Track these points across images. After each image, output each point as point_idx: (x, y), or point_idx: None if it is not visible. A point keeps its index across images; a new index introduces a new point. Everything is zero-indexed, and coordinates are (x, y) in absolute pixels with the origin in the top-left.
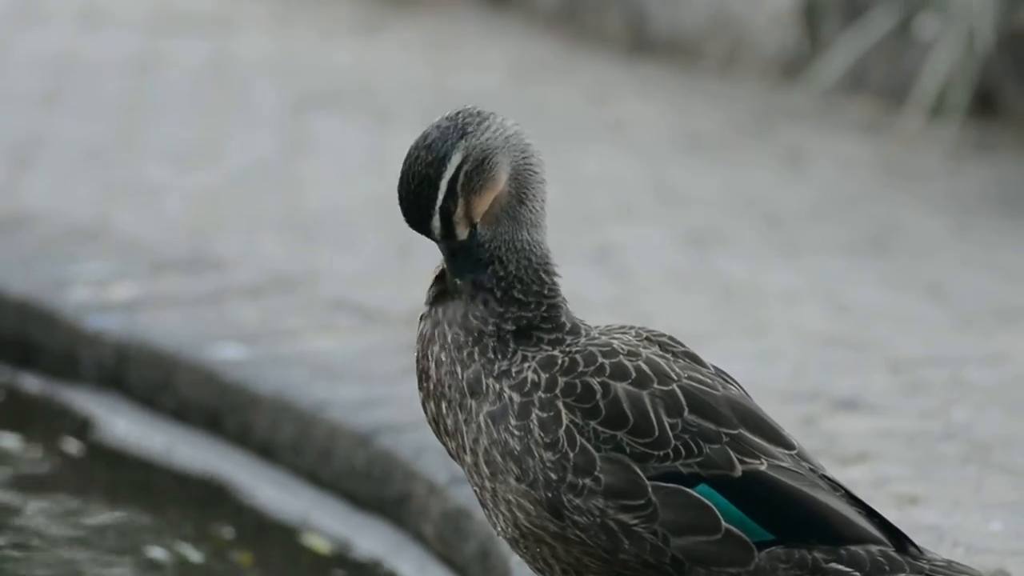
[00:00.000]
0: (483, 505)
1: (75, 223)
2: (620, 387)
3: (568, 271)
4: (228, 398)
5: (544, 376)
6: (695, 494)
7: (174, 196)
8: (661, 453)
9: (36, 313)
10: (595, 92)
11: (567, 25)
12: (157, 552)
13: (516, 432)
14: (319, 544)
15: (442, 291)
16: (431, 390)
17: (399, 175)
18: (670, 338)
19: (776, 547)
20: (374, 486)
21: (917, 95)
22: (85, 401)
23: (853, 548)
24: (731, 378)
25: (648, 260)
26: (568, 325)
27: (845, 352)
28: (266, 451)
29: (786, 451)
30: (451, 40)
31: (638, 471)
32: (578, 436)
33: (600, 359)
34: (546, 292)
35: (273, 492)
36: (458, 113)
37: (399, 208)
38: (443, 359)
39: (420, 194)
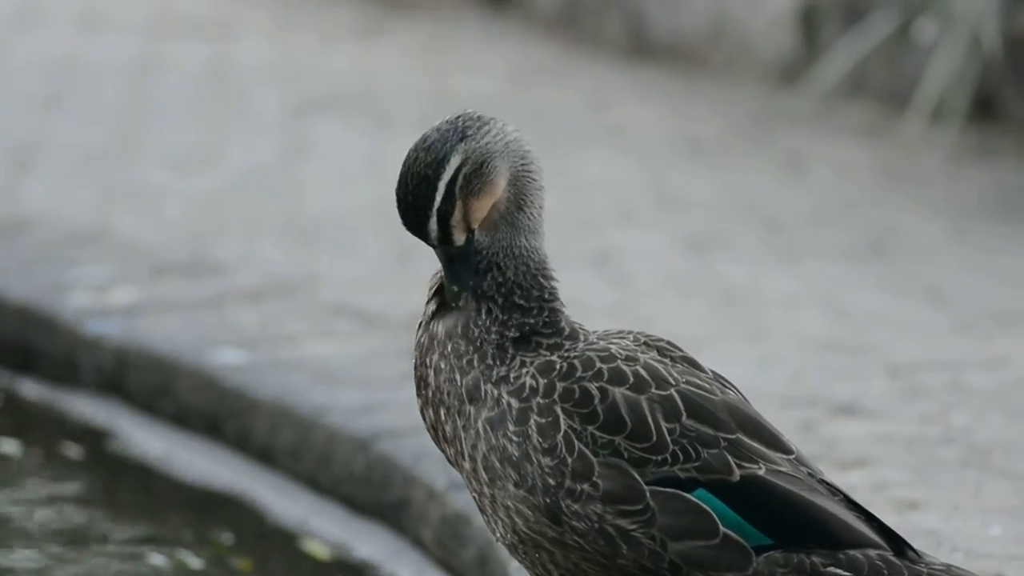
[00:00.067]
0: (482, 511)
1: (75, 227)
2: (618, 392)
3: (568, 276)
4: (228, 403)
5: (542, 382)
6: (693, 499)
7: (174, 200)
8: (659, 458)
9: (36, 318)
10: (595, 96)
11: (567, 29)
12: (157, 559)
13: (514, 438)
14: (318, 550)
15: (441, 304)
16: (430, 397)
17: (398, 177)
18: (668, 343)
19: (774, 552)
20: (373, 491)
21: (917, 100)
22: (85, 406)
23: (851, 552)
24: (729, 383)
25: (648, 265)
26: (567, 330)
27: (844, 357)
28: (265, 456)
29: (784, 456)
30: (451, 44)
31: (636, 476)
32: (576, 441)
33: (598, 364)
34: (546, 296)
35: (272, 497)
36: (458, 117)
37: (397, 210)
38: (442, 366)
39: (418, 195)
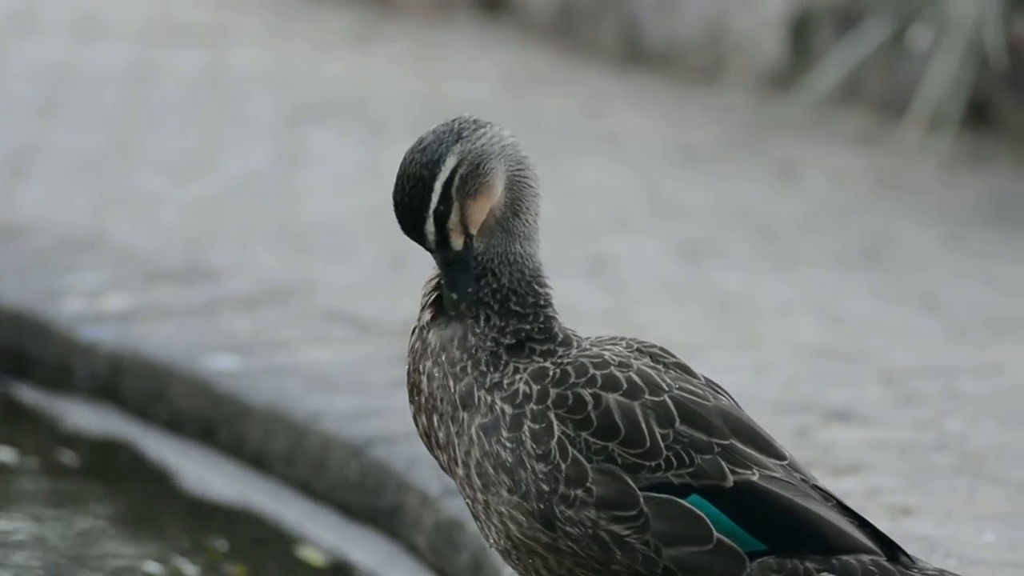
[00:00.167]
0: (475, 517)
1: (70, 233)
2: (611, 398)
3: (562, 282)
4: (222, 409)
5: (536, 388)
6: (687, 504)
7: (169, 207)
8: (653, 464)
9: (30, 324)
10: (589, 103)
11: (561, 36)
12: (152, 566)
13: (508, 444)
14: (313, 556)
15: (437, 313)
16: (423, 403)
17: (395, 180)
18: (661, 349)
19: (768, 557)
20: (367, 497)
21: (912, 107)
22: (79, 412)
23: (845, 558)
24: (721, 389)
25: (642, 272)
26: (560, 337)
27: (838, 363)
28: (260, 462)
29: (777, 461)
30: (445, 51)
31: (630, 482)
32: (570, 447)
33: (591, 370)
34: (541, 303)
35: (267, 503)
36: (455, 120)
37: (394, 213)
38: (435, 374)
39: (414, 196)
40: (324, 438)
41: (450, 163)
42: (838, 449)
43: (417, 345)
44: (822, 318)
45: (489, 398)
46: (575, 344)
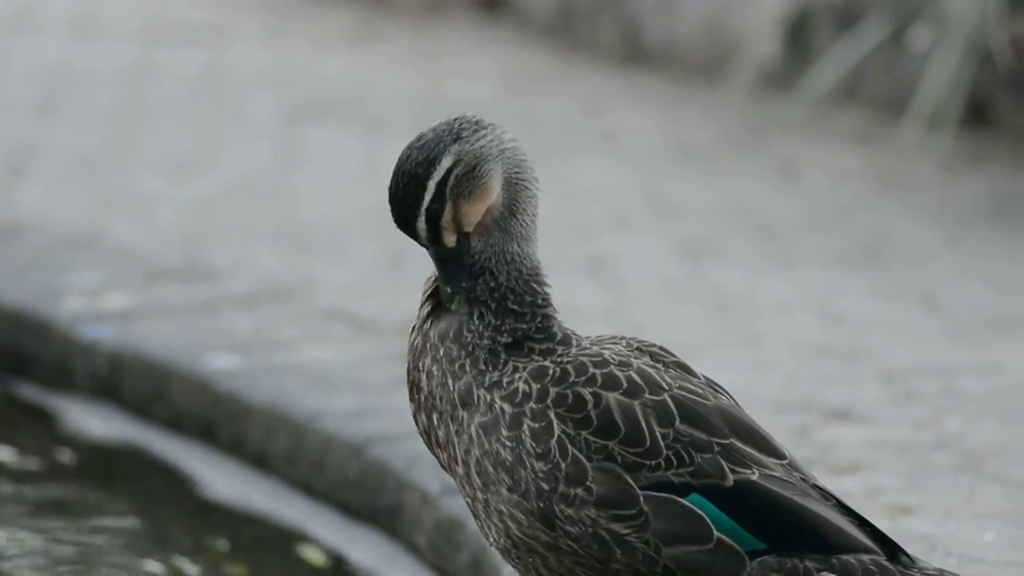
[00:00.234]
0: (475, 516)
1: (69, 232)
2: (611, 397)
3: (562, 281)
4: (222, 408)
5: (535, 387)
6: (687, 503)
7: (168, 206)
8: (653, 463)
9: (30, 323)
10: (589, 102)
11: (561, 35)
12: (154, 565)
13: (508, 443)
14: (313, 555)
15: (436, 306)
16: (422, 402)
17: (391, 173)
18: (661, 348)
19: (768, 556)
20: (367, 496)
21: (911, 106)
22: (79, 411)
23: (845, 557)
24: (721, 388)
25: (642, 271)
26: (559, 335)
27: (838, 362)
28: (260, 461)
29: (777, 461)
30: (445, 50)
31: (630, 481)
32: (570, 446)
33: (591, 369)
34: (539, 302)
35: (267, 502)
36: (456, 119)
37: (389, 207)
38: (434, 371)
39: (408, 193)
40: (324, 437)
41: (446, 163)
42: (838, 448)
43: (417, 343)
44: (822, 317)
45: (488, 397)
46: (574, 343)
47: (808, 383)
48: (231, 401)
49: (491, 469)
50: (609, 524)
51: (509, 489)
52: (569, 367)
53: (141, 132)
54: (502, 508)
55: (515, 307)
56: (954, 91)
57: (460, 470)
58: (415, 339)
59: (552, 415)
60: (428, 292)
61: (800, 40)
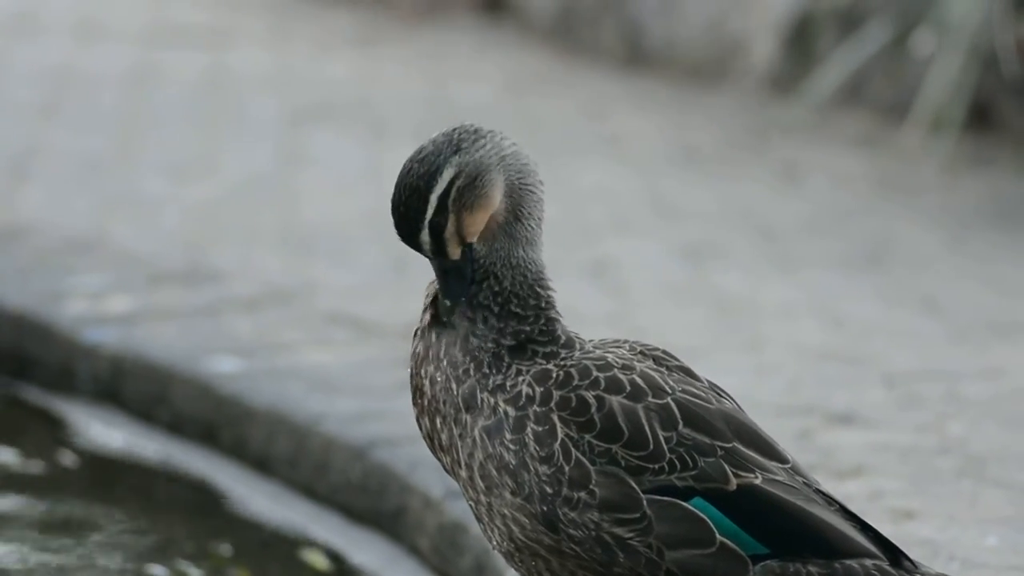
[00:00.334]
0: (478, 519)
1: (72, 235)
2: (615, 400)
3: (564, 285)
4: (224, 411)
5: (539, 390)
6: (690, 507)
7: (171, 209)
8: (656, 466)
9: (32, 326)
10: (591, 106)
11: (563, 39)
12: (157, 570)
13: (511, 446)
14: (316, 560)
15: (438, 311)
16: (425, 406)
17: (393, 188)
18: (664, 352)
19: (770, 561)
20: (370, 500)
21: (914, 109)
22: (81, 414)
23: (848, 562)
24: (724, 392)
25: (644, 274)
26: (563, 339)
27: (841, 366)
28: (262, 464)
29: (780, 465)
30: (447, 53)
31: (633, 484)
32: (573, 450)
33: (595, 373)
34: (543, 305)
35: (269, 505)
36: (455, 129)
37: (392, 221)
38: (437, 376)
39: (410, 207)
40: (326, 440)
41: (447, 175)
42: (840, 452)
43: (419, 348)
44: (824, 321)
45: (492, 400)
46: (578, 346)
47: (810, 387)
48: (233, 404)
49: (494, 472)
50: (612, 528)
51: (512, 492)
52: (573, 370)
53: (144, 135)
54: (505, 511)
55: (518, 310)
56: (957, 95)
57: (463, 474)
58: (418, 344)
59: (555, 418)
60: (430, 297)
61: (803, 43)
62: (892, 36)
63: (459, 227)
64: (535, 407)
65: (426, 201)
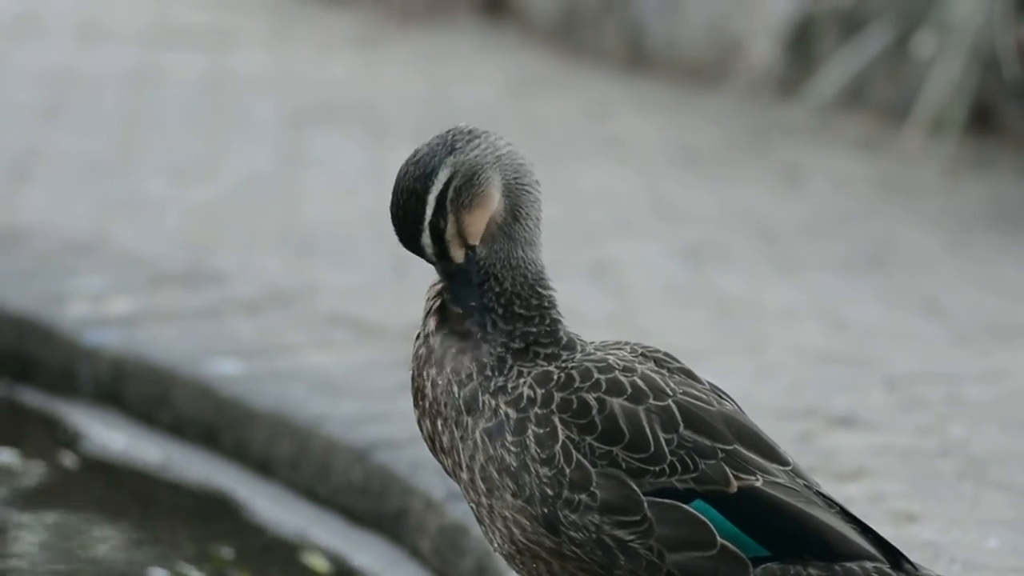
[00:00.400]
0: (479, 521)
1: (73, 237)
2: (616, 403)
3: (565, 286)
4: (225, 413)
5: (540, 392)
6: (691, 510)
7: (172, 210)
8: (657, 469)
9: (34, 328)
10: (592, 107)
11: (564, 40)
12: (158, 572)
13: (512, 448)
14: (317, 562)
15: (442, 314)
16: (427, 408)
17: (391, 193)
18: (665, 354)
19: (771, 563)
20: (371, 502)
21: (915, 112)
22: (82, 416)
23: (848, 564)
24: (726, 394)
25: (645, 276)
26: (564, 340)
27: (841, 369)
28: (263, 466)
29: (781, 467)
30: (448, 55)
31: (634, 487)
32: (574, 452)
33: (596, 375)
34: (546, 305)
35: (271, 508)
36: (448, 131)
37: (392, 227)
38: (439, 380)
39: (409, 210)
40: (328, 442)
41: (443, 176)
42: (841, 455)
43: (422, 350)
44: (825, 323)
45: (493, 402)
46: (579, 348)
47: (812, 389)
48: (235, 406)
49: (495, 474)
50: (613, 530)
51: (513, 494)
52: (574, 372)
53: (145, 136)
54: (506, 513)
55: (522, 311)
56: (958, 97)
57: (464, 475)
58: (420, 346)
59: (556, 420)
60: (434, 305)
61: (804, 45)
62: (893, 38)
63: (459, 228)
64: (536, 409)
65: (424, 203)
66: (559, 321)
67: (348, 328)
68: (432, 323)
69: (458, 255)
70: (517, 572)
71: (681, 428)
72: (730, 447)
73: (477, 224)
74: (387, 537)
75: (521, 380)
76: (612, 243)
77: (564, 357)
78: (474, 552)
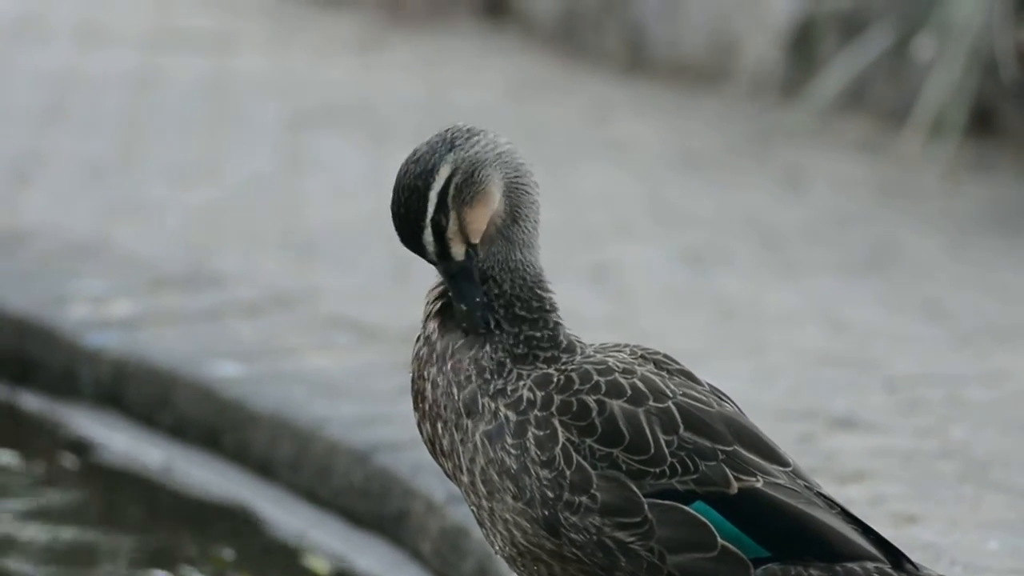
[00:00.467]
0: (480, 524)
1: (74, 239)
2: (616, 405)
3: (565, 289)
4: (227, 415)
5: (540, 394)
6: (691, 511)
7: (173, 213)
8: (657, 470)
9: (35, 330)
10: (593, 111)
11: (565, 43)
12: (159, 574)
13: (512, 451)
14: (318, 564)
15: (444, 317)
16: (427, 411)
17: (391, 193)
18: (665, 356)
19: (772, 564)
20: (372, 504)
21: (915, 115)
22: (83, 418)
23: (849, 565)
24: (725, 396)
25: (645, 279)
26: (564, 343)
27: (842, 371)
28: (265, 468)
29: (781, 468)
30: (448, 58)
31: (634, 488)
32: (574, 454)
33: (595, 377)
34: (547, 307)
35: (272, 510)
36: (448, 129)
37: (393, 226)
38: (439, 381)
39: (410, 207)
40: (329, 444)
41: (444, 172)
42: (842, 456)
43: (422, 352)
44: (826, 326)
45: (493, 405)
46: (579, 351)
47: (812, 391)
48: (236, 409)
49: (496, 477)
50: (614, 532)
51: (514, 497)
52: (573, 375)
53: (146, 139)
54: (507, 516)
55: (523, 313)
56: (958, 100)
57: (465, 478)
58: (420, 348)
59: (556, 423)
60: (434, 308)
61: (805, 48)
62: (894, 41)
63: (461, 225)
64: (536, 411)
65: (425, 199)
66: (560, 324)
67: (349, 330)
68: (433, 325)
69: (459, 253)
70: (518, 574)
71: (681, 430)
72: (730, 448)
73: (478, 221)
74: (388, 539)
75: (521, 383)
76: (612, 246)
77: (563, 360)
78: (475, 554)
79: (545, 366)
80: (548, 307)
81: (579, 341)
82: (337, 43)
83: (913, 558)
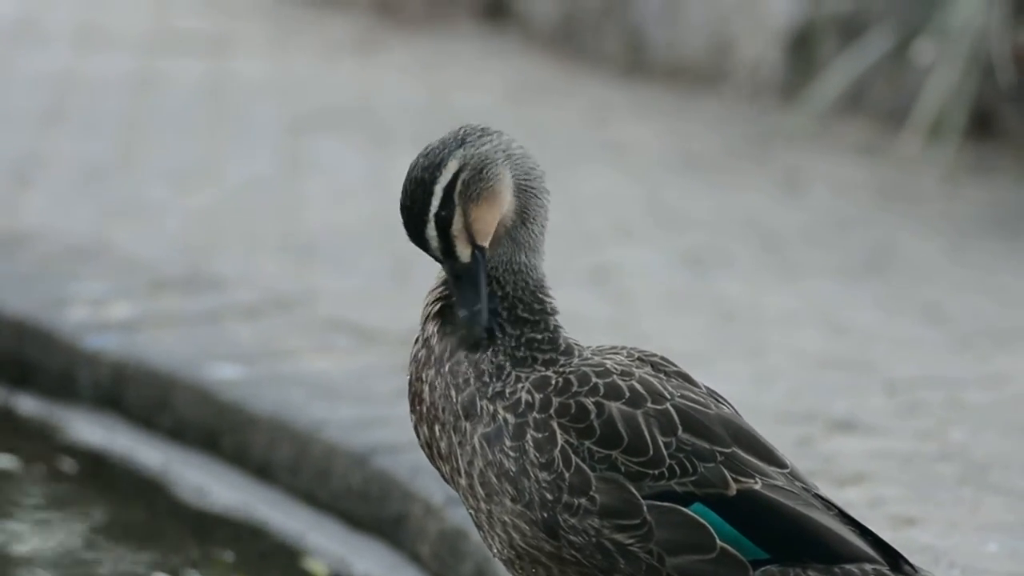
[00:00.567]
0: (478, 527)
1: (74, 242)
2: (614, 407)
3: (566, 292)
4: (225, 418)
5: (538, 397)
6: (690, 513)
7: (173, 215)
8: (656, 472)
9: (34, 332)
10: (593, 113)
11: (565, 46)
12: None
13: (511, 453)
14: (317, 567)
15: (443, 319)
16: (424, 413)
17: (401, 187)
18: (662, 358)
19: (771, 566)
20: (371, 506)
21: (915, 117)
22: (82, 421)
23: (848, 567)
24: (722, 398)
25: (645, 281)
26: (563, 346)
27: (842, 373)
28: (264, 471)
29: (779, 470)
30: (449, 60)
31: (633, 490)
32: (573, 456)
33: (594, 379)
34: (548, 311)
35: (270, 513)
36: (462, 127)
37: (401, 221)
38: (437, 383)
39: (416, 200)
40: (328, 447)
41: (452, 167)
42: (841, 459)
43: (421, 354)
44: (825, 328)
45: (491, 407)
46: (577, 353)
47: (811, 394)
48: (235, 411)
49: (494, 480)
50: (613, 534)
51: (513, 499)
52: (572, 377)
53: (146, 141)
54: (506, 519)
55: (526, 315)
56: (957, 102)
57: (463, 481)
58: (419, 350)
59: (555, 425)
60: (433, 310)
61: (804, 51)
62: (893, 44)
63: (467, 223)
64: (534, 414)
65: (431, 193)
66: (560, 328)
67: (348, 333)
68: (432, 327)
69: (464, 254)
70: None
71: (679, 431)
72: (728, 450)
73: (485, 221)
74: (387, 542)
75: (519, 385)
76: (612, 248)
77: (562, 362)
78: (474, 557)
79: (543, 368)
80: (549, 311)
81: (577, 344)
82: (336, 45)
83: (912, 560)
